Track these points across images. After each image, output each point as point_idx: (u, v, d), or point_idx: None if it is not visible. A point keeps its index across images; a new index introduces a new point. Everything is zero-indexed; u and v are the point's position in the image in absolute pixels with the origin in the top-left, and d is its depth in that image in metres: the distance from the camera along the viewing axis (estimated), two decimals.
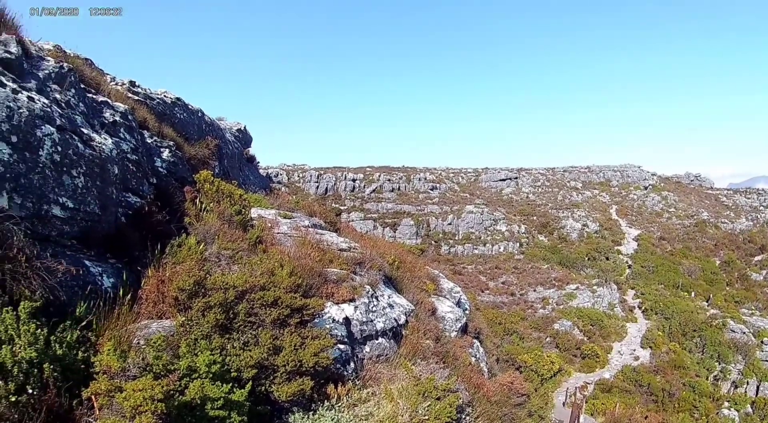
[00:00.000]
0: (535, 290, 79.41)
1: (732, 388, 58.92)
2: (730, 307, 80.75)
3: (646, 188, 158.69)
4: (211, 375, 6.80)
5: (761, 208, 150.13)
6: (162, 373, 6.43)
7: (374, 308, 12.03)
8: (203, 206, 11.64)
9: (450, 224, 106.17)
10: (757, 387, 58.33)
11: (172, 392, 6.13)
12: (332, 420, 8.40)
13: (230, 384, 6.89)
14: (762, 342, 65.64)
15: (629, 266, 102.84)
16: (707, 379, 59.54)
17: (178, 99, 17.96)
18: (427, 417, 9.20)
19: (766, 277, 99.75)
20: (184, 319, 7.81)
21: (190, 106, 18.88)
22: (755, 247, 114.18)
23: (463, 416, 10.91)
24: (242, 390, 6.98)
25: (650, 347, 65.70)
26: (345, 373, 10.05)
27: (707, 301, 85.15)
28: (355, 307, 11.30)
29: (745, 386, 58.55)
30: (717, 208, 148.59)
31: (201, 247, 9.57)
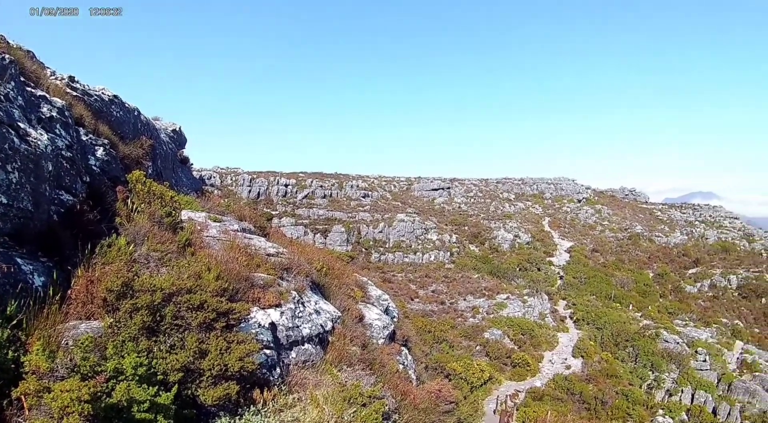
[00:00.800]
0: (465, 299, 79.46)
1: (666, 397, 59.41)
2: (663, 318, 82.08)
3: (579, 201, 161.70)
4: (137, 377, 6.79)
5: (696, 222, 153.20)
6: (89, 374, 6.43)
7: (300, 314, 12.02)
8: (135, 207, 11.53)
9: (381, 232, 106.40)
10: (692, 395, 59.08)
11: (99, 394, 6.09)
12: None
13: (156, 387, 6.88)
14: (696, 352, 66.67)
15: (561, 277, 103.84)
16: (641, 387, 59.94)
17: (116, 96, 17.72)
18: None
19: (700, 289, 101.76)
20: (112, 320, 7.70)
21: (126, 105, 18.64)
22: (689, 261, 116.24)
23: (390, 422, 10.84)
24: (168, 393, 6.96)
25: (582, 356, 66.17)
26: (271, 378, 9.92)
27: (640, 313, 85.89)
28: (282, 313, 11.31)
29: (679, 394, 59.14)
30: (651, 222, 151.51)
31: (131, 248, 9.42)
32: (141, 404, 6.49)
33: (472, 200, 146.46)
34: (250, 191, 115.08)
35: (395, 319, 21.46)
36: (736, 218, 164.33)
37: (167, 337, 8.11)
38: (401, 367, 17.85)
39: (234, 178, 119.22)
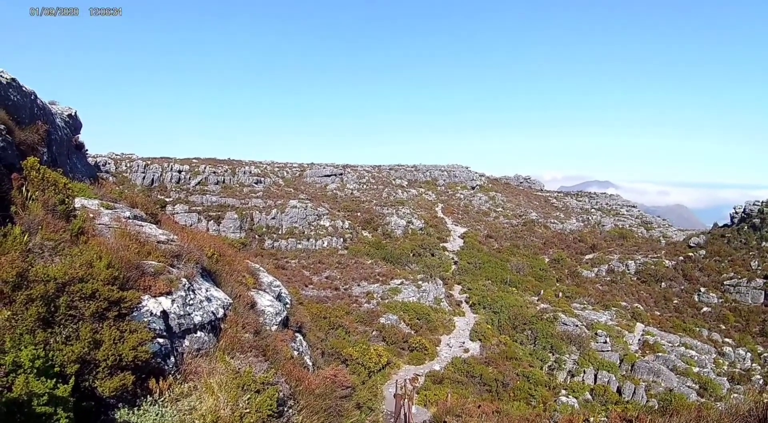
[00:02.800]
0: (359, 285, 78.86)
1: (569, 378, 59.78)
2: (561, 302, 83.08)
3: (473, 188, 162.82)
4: (35, 370, 6.61)
5: (592, 210, 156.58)
6: None
7: (192, 301, 11.70)
8: (29, 195, 11.02)
9: (274, 218, 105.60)
10: (595, 376, 59.89)
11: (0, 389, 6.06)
12: (156, 415, 8.39)
13: (54, 379, 6.68)
14: (596, 334, 67.89)
15: (455, 262, 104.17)
16: (542, 369, 60.44)
17: (14, 79, 17.09)
18: (248, 410, 9.15)
19: (597, 274, 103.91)
20: (9, 313, 7.31)
21: (24, 88, 18.00)
22: (586, 246, 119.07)
23: (285, 409, 10.81)
24: (66, 385, 6.74)
25: (480, 340, 66.42)
26: (166, 367, 9.71)
27: (537, 297, 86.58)
28: (173, 301, 10.98)
29: (582, 375, 59.85)
30: (547, 209, 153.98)
31: (25, 237, 8.97)
32: (40, 397, 6.34)
33: (365, 186, 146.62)
34: (144, 178, 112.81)
35: (288, 306, 21.33)
36: (633, 206, 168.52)
37: (62, 328, 7.84)
38: (296, 353, 17.92)
39: (128, 165, 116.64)
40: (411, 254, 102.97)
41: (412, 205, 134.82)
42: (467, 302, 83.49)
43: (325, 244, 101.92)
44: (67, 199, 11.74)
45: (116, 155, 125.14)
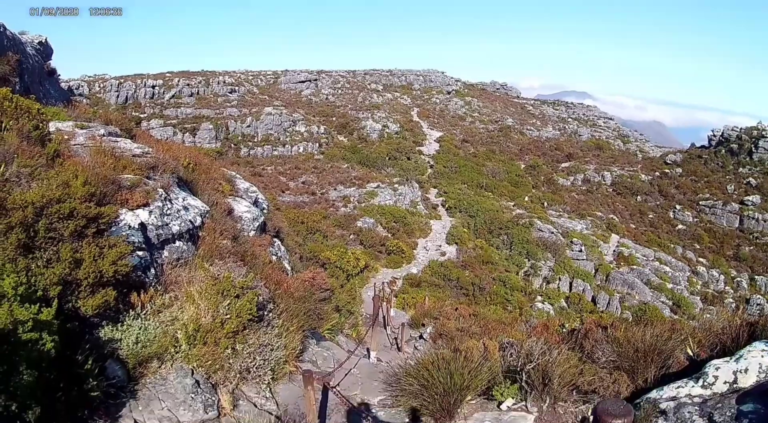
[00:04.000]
0: (336, 189, 78.00)
1: (544, 284, 60.20)
2: (537, 208, 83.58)
3: (449, 93, 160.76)
4: (18, 298, 6.53)
5: (569, 119, 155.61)
6: None
7: (169, 211, 11.73)
8: (3, 126, 10.79)
9: (249, 126, 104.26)
10: (570, 283, 60.52)
11: None
12: (139, 329, 8.68)
13: (38, 304, 6.63)
14: (572, 242, 68.54)
15: (431, 166, 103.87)
16: (518, 274, 60.79)
17: None
18: (228, 315, 9.73)
19: (573, 183, 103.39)
20: None
21: None
22: (562, 155, 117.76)
23: (266, 312, 11.10)
24: (49, 308, 6.71)
25: (456, 243, 66.72)
26: (146, 279, 10.04)
27: (513, 202, 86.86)
28: (150, 212, 10.99)
29: (557, 282, 60.41)
30: (523, 117, 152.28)
31: (1, 168, 8.84)
32: (24, 324, 6.29)
33: (340, 92, 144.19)
34: (118, 97, 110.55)
35: (265, 211, 21.42)
36: (610, 119, 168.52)
37: (43, 252, 7.83)
38: (274, 258, 18.38)
39: (102, 85, 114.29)
40: (387, 158, 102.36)
41: (388, 109, 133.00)
42: (443, 206, 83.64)
43: (301, 150, 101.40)
44: (41, 125, 11.58)
45: (89, 77, 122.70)
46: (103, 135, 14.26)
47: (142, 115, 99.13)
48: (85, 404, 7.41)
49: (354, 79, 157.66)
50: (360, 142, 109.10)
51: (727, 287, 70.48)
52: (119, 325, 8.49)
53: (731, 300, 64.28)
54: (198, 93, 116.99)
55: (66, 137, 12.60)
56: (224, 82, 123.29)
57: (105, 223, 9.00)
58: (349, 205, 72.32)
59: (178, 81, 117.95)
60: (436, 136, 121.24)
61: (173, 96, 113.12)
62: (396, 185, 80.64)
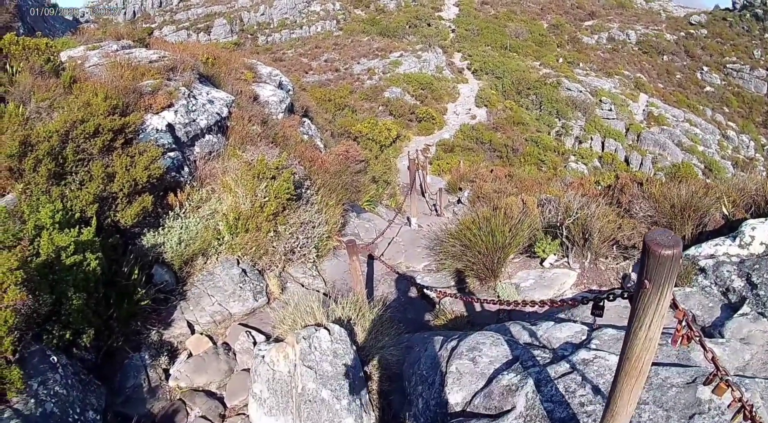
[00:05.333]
0: (359, 63, 76.76)
1: (576, 144, 59.92)
2: (563, 67, 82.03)
3: None
4: (57, 225, 6.72)
5: None
6: (12, 243, 6.31)
7: (194, 108, 11.65)
8: (15, 70, 10.64)
9: (263, 15, 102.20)
10: (602, 143, 60.21)
11: (27, 258, 6.07)
12: (181, 228, 8.95)
13: (77, 227, 6.86)
14: (600, 100, 67.57)
15: (453, 31, 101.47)
16: (549, 134, 60.05)
17: None
18: (266, 198, 9.90)
19: (598, 41, 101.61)
20: (22, 185, 7.32)
21: None
22: (584, 13, 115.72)
23: (303, 190, 11.20)
24: (89, 227, 6.97)
25: (485, 106, 65.71)
26: (181, 179, 10.26)
27: (539, 62, 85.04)
28: (175, 111, 10.95)
29: (589, 142, 60.12)
30: None
31: (21, 109, 8.76)
32: (66, 249, 6.47)
33: None
34: (125, 14, 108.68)
35: (291, 93, 21.23)
36: None
37: (75, 176, 7.94)
38: (306, 137, 18.27)
39: (106, 6, 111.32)
40: (407, 26, 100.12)
41: None
42: (469, 69, 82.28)
43: (320, 29, 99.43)
44: (52, 57, 11.52)
45: (93, 2, 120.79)
46: (117, 50, 14.06)
47: (153, 26, 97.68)
48: (137, 315, 7.70)
49: None
50: (378, 14, 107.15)
51: (757, 154, 70.43)
52: (160, 229, 8.79)
53: (762, 168, 63.14)
54: None
55: (80, 62, 12.48)
56: None
57: (132, 131, 9.10)
58: (375, 77, 71.26)
59: None
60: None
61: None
62: (419, 52, 79.32)
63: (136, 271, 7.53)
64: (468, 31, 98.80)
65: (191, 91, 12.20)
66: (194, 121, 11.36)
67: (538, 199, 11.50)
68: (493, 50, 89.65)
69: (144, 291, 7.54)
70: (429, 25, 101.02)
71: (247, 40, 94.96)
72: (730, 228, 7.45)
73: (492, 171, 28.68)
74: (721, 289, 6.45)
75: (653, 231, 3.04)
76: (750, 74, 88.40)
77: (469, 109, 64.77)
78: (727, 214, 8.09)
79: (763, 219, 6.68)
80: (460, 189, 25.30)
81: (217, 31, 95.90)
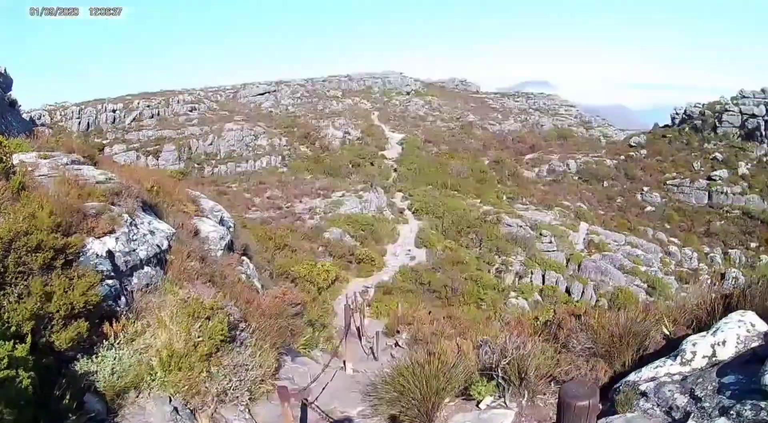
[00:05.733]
0: (301, 201, 77.72)
1: (517, 279, 60.16)
2: (503, 204, 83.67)
3: (408, 94, 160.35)
4: None
5: (530, 110, 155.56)
6: None
7: (135, 237, 11.71)
8: None
9: (211, 144, 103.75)
10: (543, 276, 60.69)
11: None
12: (114, 359, 8.48)
13: (12, 341, 6.55)
14: (541, 234, 68.60)
15: (395, 170, 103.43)
16: (489, 272, 60.81)
17: None
18: (200, 338, 9.63)
19: (538, 174, 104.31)
20: None
21: None
22: (525, 147, 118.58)
23: (238, 332, 11.13)
24: (24, 345, 6.65)
25: (425, 246, 66.40)
26: (118, 308, 9.82)
27: (479, 199, 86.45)
28: (116, 239, 10.93)
29: (530, 276, 60.50)
30: (484, 111, 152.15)
31: None
32: (0, 361, 6.18)
33: (300, 101, 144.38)
34: (80, 123, 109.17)
35: (231, 229, 21.40)
36: (572, 106, 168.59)
37: (14, 287, 7.73)
38: (244, 276, 18.25)
39: (63, 113, 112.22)
40: (350, 165, 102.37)
41: (348, 115, 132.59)
42: (410, 209, 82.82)
43: (264, 164, 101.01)
44: (4, 158, 11.44)
45: (50, 106, 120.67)
46: (66, 164, 14.17)
47: (104, 141, 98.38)
48: None
49: (313, 87, 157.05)
50: (322, 151, 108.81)
51: (701, 264, 71.73)
52: (94, 357, 8.39)
53: (706, 276, 62.51)
54: (158, 114, 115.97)
55: (30, 169, 12.46)
56: (184, 100, 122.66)
57: (73, 253, 8.99)
58: (316, 217, 71.76)
59: (138, 103, 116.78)
60: (398, 138, 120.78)
61: (134, 119, 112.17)
62: (361, 193, 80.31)
63: (68, 397, 7.30)
64: (410, 170, 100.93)
65: (134, 220, 12.26)
66: (134, 250, 11.37)
67: (475, 341, 11.62)
68: (435, 189, 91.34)
69: (75, 417, 7.30)
70: (372, 164, 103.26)
71: (194, 169, 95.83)
72: (672, 347, 7.34)
73: (430, 313, 29.05)
74: (663, 409, 6.34)
75: (569, 383, 3.18)
76: (690, 187, 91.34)
77: (409, 250, 65.57)
78: (668, 333, 8.25)
79: (704, 333, 6.64)
80: (398, 332, 25.46)
81: (166, 156, 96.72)
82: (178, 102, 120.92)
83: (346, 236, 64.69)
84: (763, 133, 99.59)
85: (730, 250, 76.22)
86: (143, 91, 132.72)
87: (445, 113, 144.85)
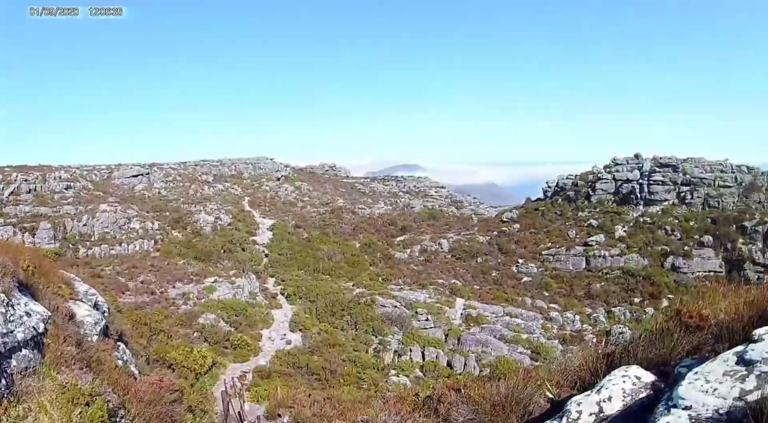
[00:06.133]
0: (174, 287, 76.65)
1: (396, 358, 59.75)
2: (376, 285, 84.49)
3: (279, 179, 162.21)
4: None
5: (400, 193, 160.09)
6: None
7: (12, 318, 11.37)
8: None
9: (85, 225, 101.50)
10: (423, 352, 60.73)
11: None
12: None
13: None
14: (416, 312, 68.95)
15: (266, 255, 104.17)
16: (367, 352, 60.58)
17: None
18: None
19: (411, 255, 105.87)
20: None
21: None
22: (396, 229, 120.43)
23: (118, 419, 10.82)
24: None
25: (300, 330, 66.55)
26: None
27: (352, 282, 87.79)
28: None
29: (409, 354, 60.55)
30: (354, 196, 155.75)
31: None
32: None
33: (172, 185, 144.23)
34: None
35: (106, 314, 21.06)
36: (442, 187, 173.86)
37: None
38: (120, 362, 17.53)
39: None
40: (222, 251, 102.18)
41: (219, 200, 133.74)
42: (282, 294, 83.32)
43: (137, 248, 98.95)
44: None
45: None
46: None
47: None
48: None
49: (185, 170, 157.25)
50: (194, 236, 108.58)
51: (584, 325, 74.23)
52: None
53: (591, 335, 66.18)
54: (35, 189, 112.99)
55: None
56: (60, 177, 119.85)
57: None
58: (189, 303, 70.85)
59: (17, 176, 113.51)
60: (269, 224, 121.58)
61: (12, 192, 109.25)
62: (233, 278, 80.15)
63: None
64: (281, 255, 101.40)
65: (10, 300, 11.89)
66: (12, 332, 10.96)
67: (356, 421, 11.76)
68: (307, 274, 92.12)
69: None
70: (243, 249, 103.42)
71: (69, 250, 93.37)
72: (558, 408, 7.34)
73: (310, 395, 29.15)
74: None
75: None
76: (567, 254, 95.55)
77: (284, 334, 65.37)
78: (553, 396, 8.25)
79: (588, 392, 6.62)
80: (280, 416, 25.51)
81: (42, 235, 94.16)
82: (55, 179, 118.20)
83: (221, 322, 64.29)
84: (639, 195, 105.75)
85: (613, 309, 79.57)
86: (23, 163, 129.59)
87: (314, 198, 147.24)
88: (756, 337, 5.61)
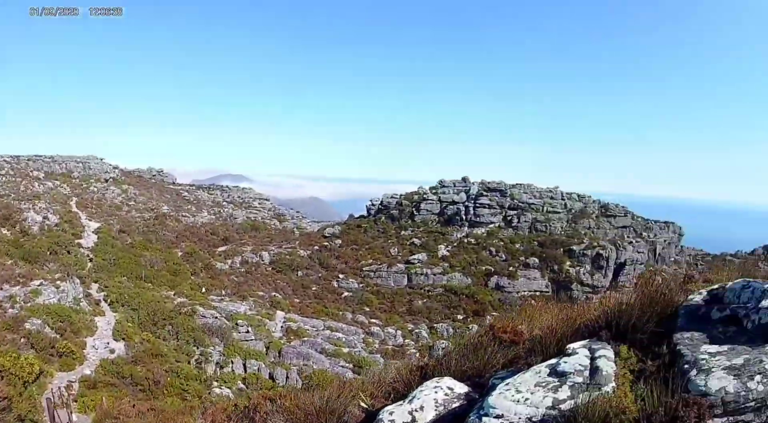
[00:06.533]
0: (2, 289, 74.41)
1: (218, 370, 59.89)
2: (197, 295, 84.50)
3: (107, 181, 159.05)
4: None
5: (224, 203, 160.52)
6: None
7: None
8: None
9: None
10: (244, 365, 60.87)
11: None
12: None
13: None
14: (237, 324, 69.63)
15: (91, 260, 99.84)
16: (189, 363, 59.67)
17: None
18: None
19: (232, 266, 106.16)
20: None
21: None
22: (218, 239, 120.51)
23: None
24: None
25: (123, 339, 64.27)
26: None
27: (173, 291, 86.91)
28: None
29: (231, 366, 59.88)
30: (179, 203, 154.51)
31: None
32: None
33: (4, 179, 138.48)
34: None
35: None
36: (266, 199, 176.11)
37: None
38: None
39: None
40: (48, 252, 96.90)
41: (48, 199, 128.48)
42: (105, 301, 79.43)
43: None
44: None
45: None
46: None
47: None
48: None
49: (18, 165, 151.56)
50: (23, 236, 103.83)
51: (406, 340, 76.17)
52: None
53: (414, 350, 68.49)
54: None
55: None
56: None
57: None
58: (17, 306, 68.64)
59: None
60: (95, 227, 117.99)
61: None
62: (58, 282, 77.35)
63: None
64: (105, 260, 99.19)
65: None
66: None
67: None
68: (129, 281, 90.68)
69: None
70: (69, 252, 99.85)
71: None
72: (371, 418, 7.86)
73: (134, 406, 29.63)
74: None
75: None
76: (388, 271, 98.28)
77: (108, 343, 64.23)
78: (367, 406, 8.76)
79: (400, 402, 7.27)
80: None
81: None
82: None
83: (47, 328, 62.83)
84: (464, 217, 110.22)
85: (435, 325, 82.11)
86: None
87: (140, 203, 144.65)
88: (570, 351, 6.59)
